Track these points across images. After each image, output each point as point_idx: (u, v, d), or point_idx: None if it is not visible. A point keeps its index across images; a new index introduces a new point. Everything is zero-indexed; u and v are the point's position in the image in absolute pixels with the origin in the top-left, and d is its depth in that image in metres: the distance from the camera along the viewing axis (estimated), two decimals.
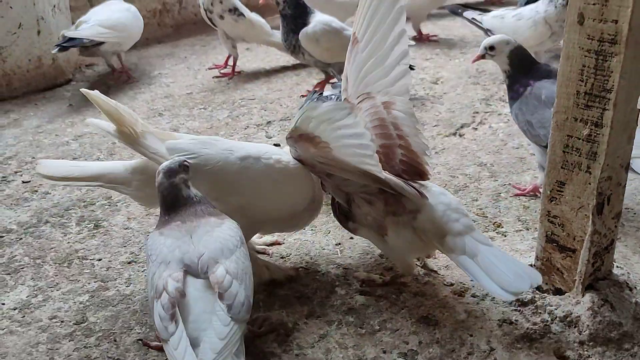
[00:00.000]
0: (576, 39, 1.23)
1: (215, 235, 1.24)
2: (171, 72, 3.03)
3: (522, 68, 1.77)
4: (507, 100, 1.82)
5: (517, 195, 1.86)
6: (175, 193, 1.30)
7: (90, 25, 2.67)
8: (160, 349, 1.28)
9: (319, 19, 2.47)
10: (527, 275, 1.26)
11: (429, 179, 1.45)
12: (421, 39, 3.30)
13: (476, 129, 2.33)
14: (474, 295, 1.44)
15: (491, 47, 1.81)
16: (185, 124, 2.44)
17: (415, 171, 1.44)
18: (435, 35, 3.36)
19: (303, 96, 2.62)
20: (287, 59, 3.06)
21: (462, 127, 2.34)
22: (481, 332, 1.34)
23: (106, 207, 1.86)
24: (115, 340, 1.33)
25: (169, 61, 3.17)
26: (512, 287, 1.24)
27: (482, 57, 1.85)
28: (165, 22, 3.65)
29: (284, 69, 3.03)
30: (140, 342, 1.32)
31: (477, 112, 2.45)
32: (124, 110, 1.44)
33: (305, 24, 2.46)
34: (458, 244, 1.33)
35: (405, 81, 1.57)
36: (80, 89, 1.51)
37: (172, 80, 2.92)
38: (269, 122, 2.43)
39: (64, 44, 2.59)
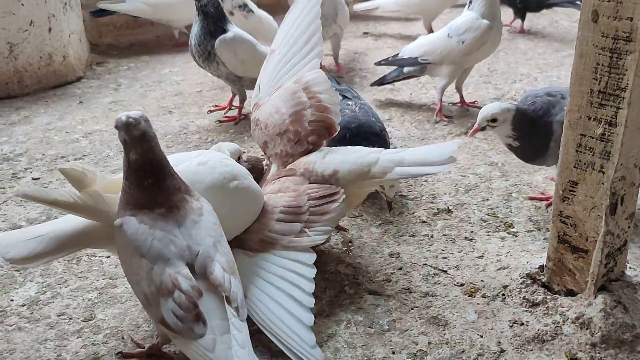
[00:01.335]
0: (590, 37, 1.21)
1: (203, 226, 1.19)
2: (181, 69, 3.03)
3: (526, 127, 1.67)
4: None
5: (532, 198, 1.84)
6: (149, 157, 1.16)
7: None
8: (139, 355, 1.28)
9: (237, 30, 2.33)
10: (447, 145, 1.46)
11: (336, 131, 1.58)
12: None
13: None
14: (484, 296, 1.43)
15: (493, 120, 1.67)
16: (195, 121, 2.44)
17: (324, 126, 1.57)
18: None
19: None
20: None
21: (473, 126, 2.31)
22: (491, 333, 1.32)
23: None
24: (123, 338, 1.33)
25: (179, 59, 3.17)
26: (445, 155, 1.41)
27: (482, 129, 1.72)
28: None
29: None
30: (120, 354, 1.30)
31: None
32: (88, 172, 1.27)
33: (225, 30, 2.27)
34: (383, 166, 1.43)
35: (315, 62, 1.69)
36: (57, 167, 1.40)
37: (183, 77, 2.92)
38: None
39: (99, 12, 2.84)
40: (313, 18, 1.72)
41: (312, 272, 1.34)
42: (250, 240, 1.38)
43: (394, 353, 1.28)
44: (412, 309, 1.40)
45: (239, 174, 1.39)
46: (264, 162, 1.65)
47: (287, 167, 1.52)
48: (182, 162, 1.36)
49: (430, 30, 3.29)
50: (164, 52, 3.28)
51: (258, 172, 1.62)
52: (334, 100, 1.60)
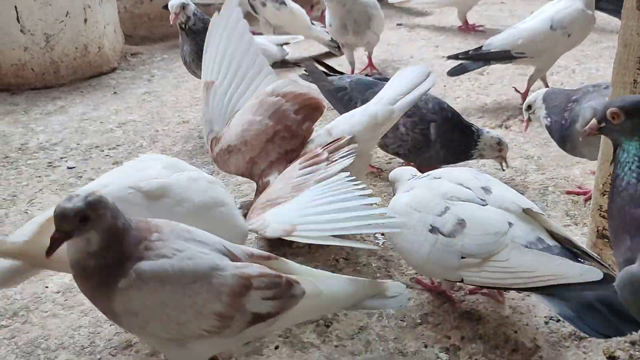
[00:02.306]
0: (635, 26, 1.17)
1: (200, 237, 1.09)
2: None
3: (555, 105, 1.74)
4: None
5: (569, 192, 1.80)
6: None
7: None
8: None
9: None
10: (415, 68, 1.57)
11: (325, 107, 1.60)
12: (467, 28, 3.24)
13: (523, 120, 2.26)
14: (519, 291, 1.40)
15: (528, 107, 1.82)
16: None
17: (312, 108, 1.57)
18: (481, 26, 3.29)
19: None
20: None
21: (508, 118, 2.28)
22: (526, 329, 1.30)
23: None
24: None
25: None
26: (423, 73, 1.57)
27: (529, 120, 1.86)
28: (210, 12, 3.65)
29: (327, 57, 3.00)
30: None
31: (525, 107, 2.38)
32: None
33: None
34: (384, 111, 1.50)
35: (271, 77, 1.70)
36: None
37: None
38: None
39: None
40: (243, 33, 1.71)
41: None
42: (283, 191, 1.38)
43: (426, 347, 1.26)
44: (444, 302, 1.38)
45: (228, 202, 1.33)
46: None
47: (297, 163, 1.48)
48: (177, 170, 1.31)
49: (465, 22, 3.24)
50: None
51: None
52: (306, 86, 1.64)
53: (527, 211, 1.23)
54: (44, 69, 2.70)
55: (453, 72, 2.40)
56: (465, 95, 2.49)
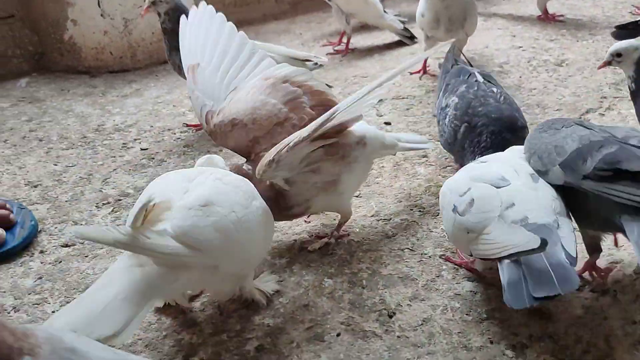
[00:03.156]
0: None
1: None
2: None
3: None
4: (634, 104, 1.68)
5: None
6: None
7: None
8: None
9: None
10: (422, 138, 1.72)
11: None
12: (547, 18, 3.12)
13: (603, 114, 2.17)
14: (593, 291, 1.34)
15: (618, 54, 1.67)
16: None
17: (329, 105, 1.50)
18: (562, 15, 3.16)
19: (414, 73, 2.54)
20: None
21: (587, 112, 2.19)
22: (599, 329, 1.24)
23: None
24: (219, 307, 1.35)
25: (284, 37, 3.19)
26: (425, 140, 1.79)
27: (609, 63, 1.71)
28: None
29: (398, 46, 2.96)
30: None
31: (605, 97, 2.28)
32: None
33: None
34: (392, 140, 1.61)
35: (267, 63, 1.65)
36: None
37: None
38: (380, 100, 2.38)
39: None
40: (222, 22, 1.72)
41: None
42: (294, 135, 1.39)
43: (492, 343, 1.23)
44: None
45: (256, 193, 1.30)
46: (245, 167, 1.48)
47: None
48: (189, 180, 1.23)
49: (545, 12, 3.13)
50: (269, 31, 3.31)
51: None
52: (324, 85, 1.60)
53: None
54: (121, 52, 2.78)
55: (617, 35, 2.26)
56: (542, 87, 2.40)
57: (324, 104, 1.53)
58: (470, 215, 1.26)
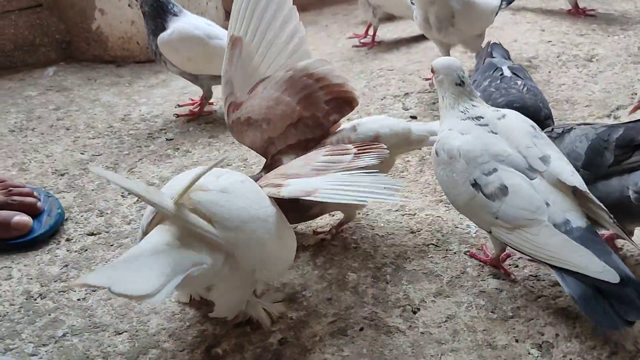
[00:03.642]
0: None
1: None
2: (312, 39, 3.03)
3: None
4: None
5: None
6: None
7: None
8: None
9: (180, 23, 2.13)
10: None
11: (358, 103, 1.53)
12: (577, 12, 3.07)
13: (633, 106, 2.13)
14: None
15: None
16: None
17: (344, 101, 1.49)
18: (593, 9, 3.11)
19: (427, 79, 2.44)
20: None
21: (617, 108, 2.15)
22: (627, 331, 1.21)
23: (241, 168, 1.89)
24: None
25: (311, 29, 3.18)
26: None
27: None
28: None
29: (425, 39, 2.93)
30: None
31: (637, 94, 2.23)
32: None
33: (164, 27, 2.12)
34: (419, 134, 1.54)
35: (304, 50, 1.56)
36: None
37: (313, 47, 2.92)
38: (406, 94, 2.36)
39: None
40: None
41: None
42: (302, 169, 1.32)
43: (517, 341, 1.21)
44: (539, 297, 1.32)
45: (272, 201, 1.25)
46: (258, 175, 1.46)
47: (312, 153, 1.43)
48: (217, 176, 1.20)
49: (575, 5, 3.07)
50: None
51: None
52: (343, 76, 1.52)
53: (574, 189, 1.25)
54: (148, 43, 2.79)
55: None
56: (572, 82, 2.36)
57: (340, 96, 1.50)
58: (505, 206, 1.23)
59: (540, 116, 1.62)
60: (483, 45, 2.22)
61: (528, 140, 1.30)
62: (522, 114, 1.54)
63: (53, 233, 1.60)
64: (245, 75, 1.52)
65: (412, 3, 2.87)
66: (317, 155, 1.38)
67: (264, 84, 1.51)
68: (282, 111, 1.48)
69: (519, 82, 1.70)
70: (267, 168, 1.48)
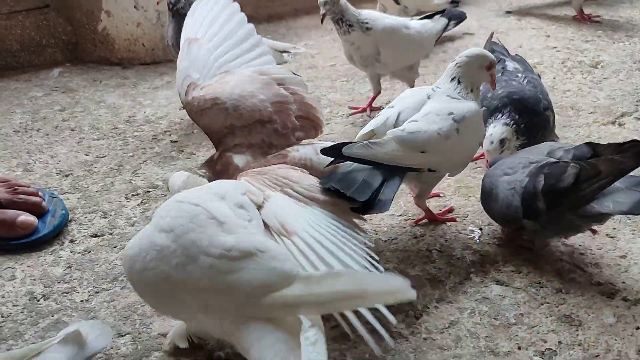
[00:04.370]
0: None
1: None
2: (317, 43, 3.03)
3: None
4: None
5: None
6: None
7: None
8: None
9: None
10: None
11: (322, 132, 1.51)
12: (582, 18, 3.06)
13: (639, 118, 2.12)
14: (625, 299, 1.32)
15: None
16: (327, 95, 2.43)
17: (312, 125, 1.48)
18: (598, 16, 3.10)
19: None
20: None
21: (622, 115, 2.14)
22: (631, 339, 1.21)
23: None
24: None
25: (315, 32, 3.18)
26: None
27: None
28: None
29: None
30: None
31: None
32: None
33: None
34: None
35: (267, 59, 1.62)
36: None
37: (318, 51, 2.93)
38: None
39: None
40: (234, 11, 1.71)
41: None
42: (298, 177, 1.28)
43: (519, 349, 1.21)
44: (542, 304, 1.32)
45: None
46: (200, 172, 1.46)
47: (271, 157, 1.40)
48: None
49: (581, 12, 3.07)
50: (300, 26, 3.31)
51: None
52: (316, 101, 1.53)
53: None
54: (153, 44, 2.79)
55: None
56: (576, 88, 2.36)
57: (310, 117, 1.49)
58: None
59: (539, 107, 1.66)
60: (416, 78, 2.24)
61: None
62: (522, 105, 1.66)
63: (57, 234, 1.61)
64: (204, 65, 1.55)
65: (397, 3, 2.87)
66: (288, 169, 1.34)
67: (232, 76, 1.51)
68: (253, 104, 1.45)
69: (520, 75, 1.75)
70: (213, 163, 1.43)
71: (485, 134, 1.65)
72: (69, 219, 1.67)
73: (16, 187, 1.64)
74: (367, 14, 2.11)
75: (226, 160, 1.42)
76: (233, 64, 1.59)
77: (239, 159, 1.41)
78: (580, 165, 1.31)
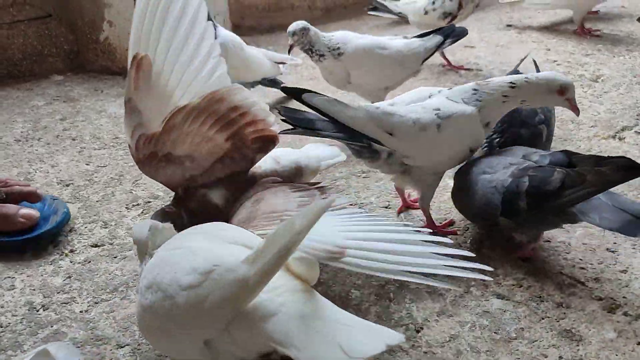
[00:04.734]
0: None
1: None
2: None
3: None
4: None
5: None
6: None
7: None
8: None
9: (226, 32, 2.24)
10: None
11: (278, 141, 1.47)
12: (583, 32, 3.08)
13: (639, 132, 2.13)
14: (626, 314, 1.31)
15: None
16: None
17: (269, 140, 1.45)
18: (598, 30, 3.12)
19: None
20: None
21: (623, 129, 2.15)
22: (632, 355, 1.21)
23: None
24: None
25: None
26: None
27: None
28: (317, 5, 3.67)
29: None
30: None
31: None
32: None
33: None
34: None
35: (220, 71, 1.46)
36: None
37: None
38: None
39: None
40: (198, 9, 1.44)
41: None
42: (288, 205, 1.29)
43: None
44: (543, 318, 1.31)
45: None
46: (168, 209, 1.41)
47: (250, 188, 1.42)
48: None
49: (582, 26, 3.09)
50: None
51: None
52: (265, 110, 1.44)
53: None
54: None
55: None
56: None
57: (265, 135, 1.44)
58: None
59: (532, 120, 1.67)
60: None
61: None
62: (516, 118, 1.65)
63: (58, 231, 1.63)
64: (156, 102, 1.35)
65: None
66: (286, 192, 1.35)
67: (184, 115, 1.33)
68: (209, 149, 1.39)
69: None
70: (183, 201, 1.40)
71: (482, 142, 1.62)
72: (69, 229, 1.67)
73: (7, 181, 1.67)
74: (340, 37, 2.09)
75: (202, 197, 1.40)
76: (190, 92, 1.41)
77: (216, 195, 1.41)
78: (566, 172, 1.35)
